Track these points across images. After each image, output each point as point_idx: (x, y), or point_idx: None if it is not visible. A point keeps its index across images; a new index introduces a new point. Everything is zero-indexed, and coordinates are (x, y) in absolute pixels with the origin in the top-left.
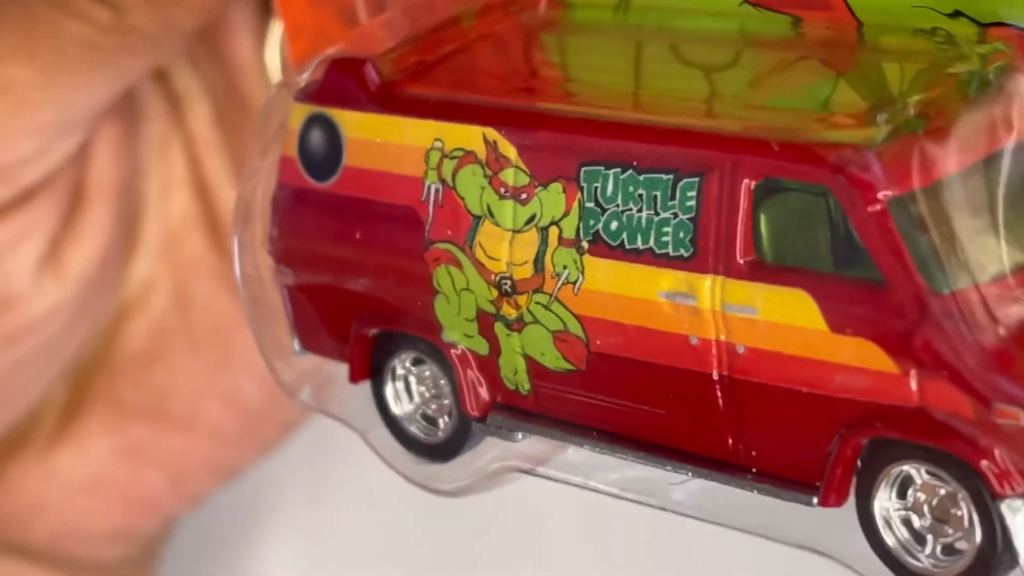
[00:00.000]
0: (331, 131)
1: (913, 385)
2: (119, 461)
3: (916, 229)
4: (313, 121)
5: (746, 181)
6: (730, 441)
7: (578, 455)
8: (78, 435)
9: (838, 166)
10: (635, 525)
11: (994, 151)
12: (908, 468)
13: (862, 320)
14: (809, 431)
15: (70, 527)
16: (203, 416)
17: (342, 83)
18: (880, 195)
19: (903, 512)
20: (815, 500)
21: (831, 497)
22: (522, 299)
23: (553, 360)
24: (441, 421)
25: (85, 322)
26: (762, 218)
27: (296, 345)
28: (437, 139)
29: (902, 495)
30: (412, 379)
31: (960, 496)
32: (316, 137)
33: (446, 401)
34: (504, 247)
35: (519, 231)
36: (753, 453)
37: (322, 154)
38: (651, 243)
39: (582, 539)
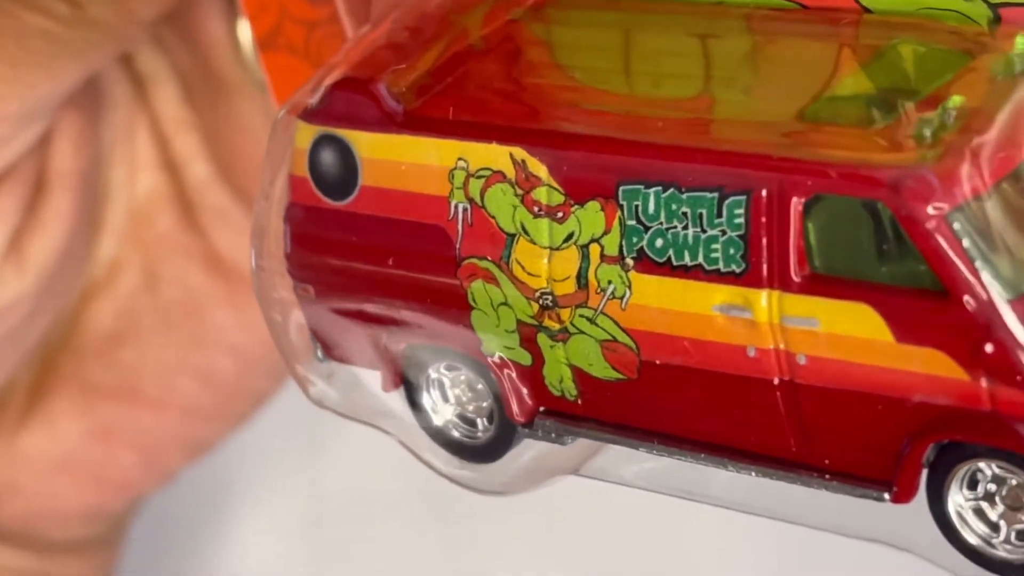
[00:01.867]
0: (344, 151)
1: (984, 391)
2: (90, 441)
3: (974, 239)
4: (323, 141)
5: (795, 199)
6: (792, 442)
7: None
8: (47, 417)
9: (891, 184)
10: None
11: None
12: (979, 465)
13: (929, 331)
14: (876, 433)
15: (41, 508)
16: (176, 393)
17: (352, 103)
18: (936, 209)
19: (974, 503)
20: (887, 496)
21: (903, 494)
22: (564, 313)
23: (601, 370)
24: (480, 422)
25: (49, 309)
26: (815, 233)
27: (319, 353)
28: (461, 159)
29: (972, 488)
30: (447, 383)
31: None
32: (328, 157)
33: (484, 403)
34: (543, 264)
35: (557, 248)
36: (817, 453)
37: (335, 174)
38: (700, 259)
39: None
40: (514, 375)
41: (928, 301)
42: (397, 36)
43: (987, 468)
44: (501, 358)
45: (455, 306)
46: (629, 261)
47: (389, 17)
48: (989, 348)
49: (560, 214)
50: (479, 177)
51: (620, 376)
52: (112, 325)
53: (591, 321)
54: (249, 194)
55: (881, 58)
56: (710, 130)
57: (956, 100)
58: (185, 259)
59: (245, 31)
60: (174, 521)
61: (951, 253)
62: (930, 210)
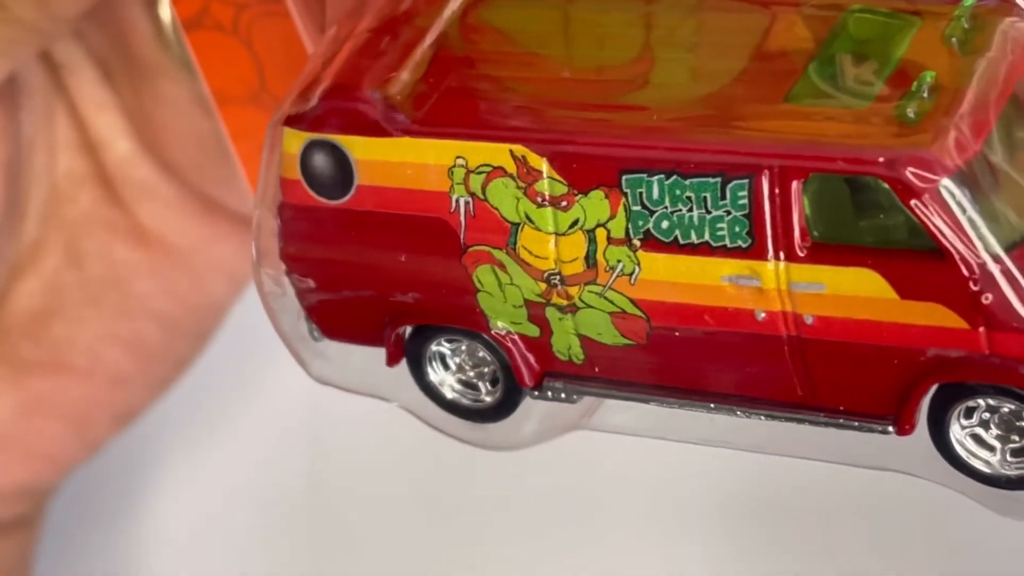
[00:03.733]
0: (337, 155)
1: (982, 337)
2: (20, 417)
3: (965, 204)
4: (314, 147)
5: (795, 181)
6: (798, 388)
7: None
8: None
9: (888, 163)
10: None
11: (1007, 100)
12: (977, 400)
13: (930, 288)
14: (880, 378)
15: None
16: (104, 363)
17: (343, 111)
18: (928, 183)
19: (971, 430)
20: (892, 430)
21: (906, 428)
22: (573, 290)
23: (611, 337)
24: (482, 386)
25: None
26: (815, 209)
27: (315, 333)
28: (459, 157)
29: (968, 417)
30: (447, 353)
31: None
32: (320, 161)
33: (486, 369)
34: (549, 248)
35: (563, 234)
36: (822, 397)
37: (329, 176)
38: (706, 237)
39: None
40: (521, 346)
41: (928, 262)
42: (375, 42)
43: (983, 401)
44: (508, 332)
45: (460, 289)
46: (636, 242)
47: (360, 23)
48: (987, 299)
49: (564, 203)
50: (479, 173)
51: (629, 342)
52: (39, 302)
53: (600, 296)
54: (175, 167)
55: (840, 33)
56: (706, 120)
57: (929, 75)
58: (108, 233)
59: (166, 12)
60: (89, 498)
61: (947, 220)
62: (924, 184)
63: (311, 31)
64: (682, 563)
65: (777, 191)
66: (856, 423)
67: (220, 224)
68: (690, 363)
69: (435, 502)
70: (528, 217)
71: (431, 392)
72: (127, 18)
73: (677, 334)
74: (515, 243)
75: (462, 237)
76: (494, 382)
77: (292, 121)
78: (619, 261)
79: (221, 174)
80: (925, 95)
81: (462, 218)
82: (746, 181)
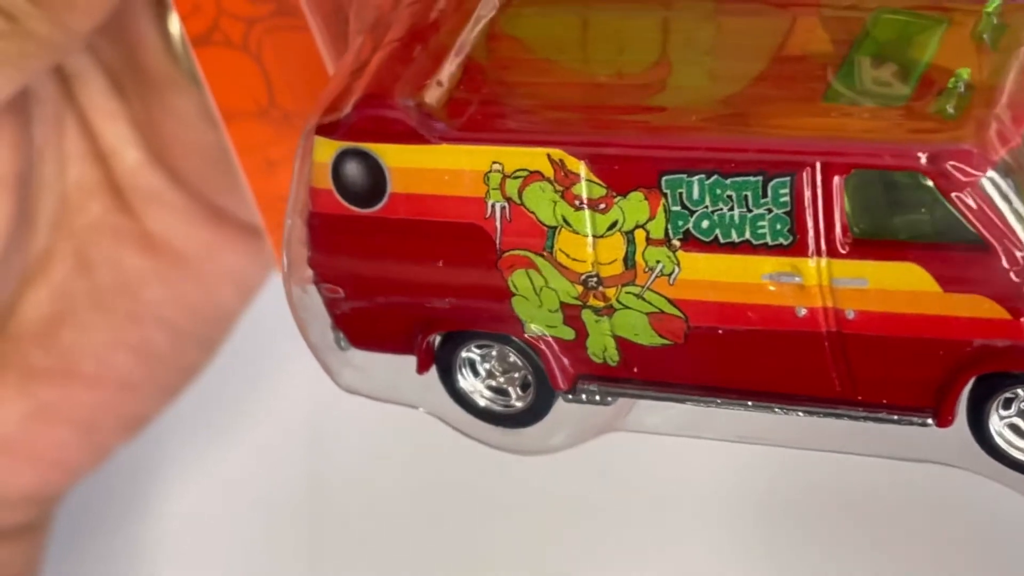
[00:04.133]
0: (369, 163)
1: None
2: (30, 423)
3: (1008, 197)
4: (346, 155)
5: (837, 178)
6: (837, 383)
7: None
8: None
9: (931, 159)
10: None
11: None
12: (1015, 391)
13: (973, 280)
14: (920, 370)
15: None
16: (112, 369)
17: (375, 118)
18: (971, 178)
19: (1010, 420)
20: (932, 422)
21: (946, 420)
22: (610, 292)
23: (648, 338)
24: (512, 391)
25: None
26: (856, 205)
27: (342, 342)
28: (495, 162)
29: (1007, 408)
30: (477, 359)
31: None
32: (352, 169)
33: (516, 375)
34: (587, 251)
35: (601, 236)
36: (861, 391)
37: (362, 184)
38: (747, 236)
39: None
40: (556, 348)
41: (971, 254)
42: (405, 51)
43: (1022, 391)
44: (542, 335)
45: (494, 293)
46: (676, 242)
47: (388, 33)
48: None
49: (602, 205)
50: (516, 178)
51: (666, 342)
52: (49, 310)
53: (638, 296)
54: (183, 177)
55: (869, 34)
56: (747, 121)
57: (965, 72)
58: (117, 241)
59: (176, 26)
60: (96, 504)
61: (989, 213)
62: (966, 178)
63: (330, 43)
64: (710, 561)
65: (819, 188)
66: (896, 417)
67: (229, 232)
68: (728, 361)
69: (438, 506)
70: (565, 220)
71: (461, 399)
72: (137, 31)
73: (715, 333)
74: (552, 247)
75: (498, 242)
76: (524, 387)
77: (324, 130)
78: (658, 262)
79: (228, 185)
80: (962, 90)
81: (498, 223)
82: (788, 179)
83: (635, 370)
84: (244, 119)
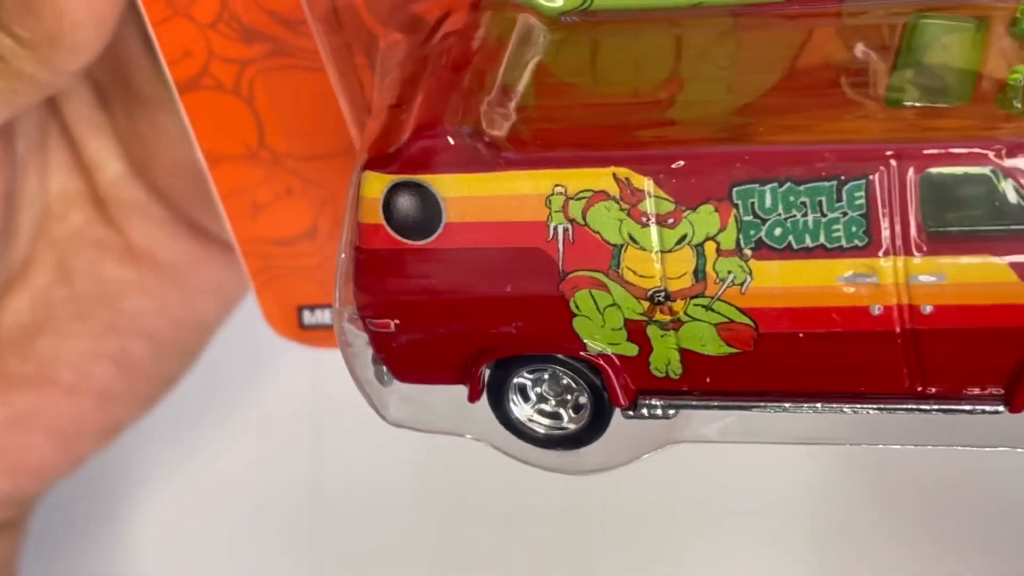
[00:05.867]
0: (423, 194)
1: None
2: (6, 430)
3: None
4: (399, 188)
5: (912, 178)
6: (906, 379)
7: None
8: None
9: (1006, 150)
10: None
11: None
12: None
13: None
14: (994, 358)
15: None
16: (91, 378)
17: (432, 149)
18: None
19: None
20: (1003, 408)
21: (1019, 405)
22: (677, 305)
23: (716, 348)
24: (564, 414)
25: None
26: (931, 203)
27: (385, 377)
28: (558, 185)
29: None
30: (528, 384)
31: None
32: (405, 202)
33: (568, 397)
34: (654, 266)
35: (669, 251)
36: (932, 383)
37: (415, 216)
38: (821, 240)
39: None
40: (618, 365)
41: None
42: (452, 79)
43: None
44: (604, 353)
45: (555, 316)
46: (747, 252)
47: (426, 64)
48: None
49: (671, 220)
50: (579, 199)
51: (734, 350)
52: (28, 318)
53: (707, 308)
54: (165, 191)
55: (911, 39)
56: (812, 129)
57: (1021, 69)
58: (99, 252)
59: None
60: (75, 504)
61: None
62: None
63: (345, 80)
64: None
65: (895, 188)
66: (968, 407)
67: (210, 245)
68: (797, 365)
69: (438, 506)
70: (632, 238)
71: (513, 426)
72: (126, 50)
73: (786, 338)
74: (618, 264)
75: (560, 264)
76: (576, 409)
77: (375, 164)
78: (730, 272)
79: (209, 203)
80: (1023, 85)
81: (560, 245)
82: (863, 181)
83: (699, 381)
84: (231, 162)
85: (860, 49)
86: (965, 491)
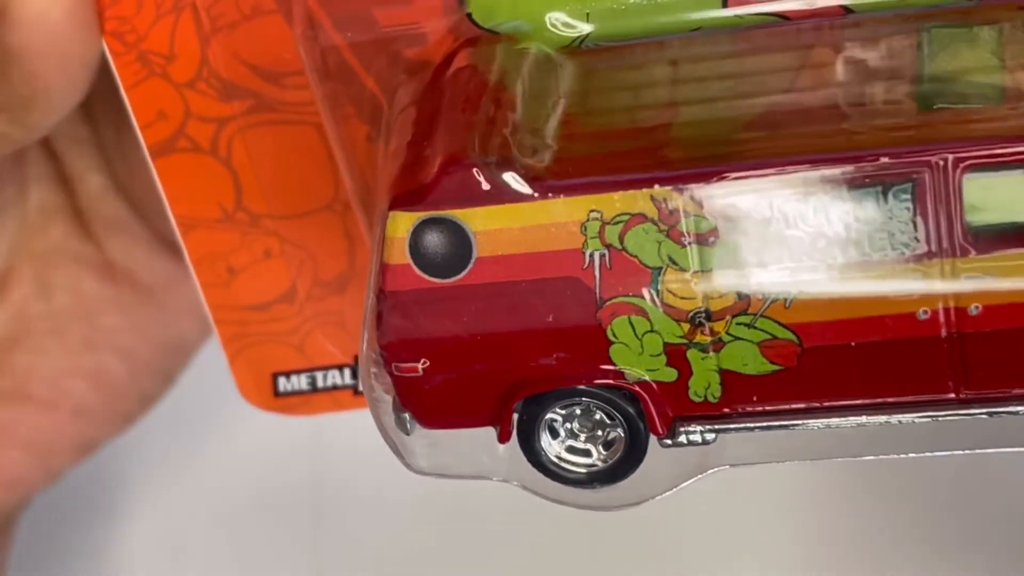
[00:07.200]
0: (452, 229)
1: None
2: None
3: None
4: (426, 225)
5: (956, 178)
6: (951, 383)
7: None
8: None
9: None
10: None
11: None
12: None
13: None
14: None
15: None
16: (67, 394)
17: (457, 184)
18: None
19: None
20: None
21: None
22: (719, 325)
23: (757, 366)
24: (595, 451)
25: None
26: (976, 202)
27: (408, 423)
28: (593, 210)
29: None
30: (558, 421)
31: None
32: (433, 239)
33: (599, 432)
34: (693, 287)
35: (710, 271)
36: (976, 384)
37: (444, 253)
38: (866, 248)
39: None
40: (656, 393)
41: None
42: (470, 112)
43: None
44: (641, 381)
45: (592, 346)
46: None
47: (440, 101)
48: None
49: (712, 239)
50: (616, 224)
51: (776, 367)
52: (4, 332)
53: (749, 326)
54: (145, 209)
55: (929, 47)
56: (851, 138)
57: None
58: (77, 267)
59: None
60: (62, 515)
61: None
62: None
63: (341, 130)
64: None
65: (940, 190)
66: (1017, 409)
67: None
68: (840, 376)
69: (439, 508)
70: (671, 259)
71: (543, 465)
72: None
73: (830, 351)
74: (658, 287)
75: (597, 292)
76: (607, 445)
77: (401, 202)
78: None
79: None
80: None
81: (597, 272)
82: (908, 185)
83: (738, 402)
84: (204, 228)
85: (881, 57)
86: (965, 492)
